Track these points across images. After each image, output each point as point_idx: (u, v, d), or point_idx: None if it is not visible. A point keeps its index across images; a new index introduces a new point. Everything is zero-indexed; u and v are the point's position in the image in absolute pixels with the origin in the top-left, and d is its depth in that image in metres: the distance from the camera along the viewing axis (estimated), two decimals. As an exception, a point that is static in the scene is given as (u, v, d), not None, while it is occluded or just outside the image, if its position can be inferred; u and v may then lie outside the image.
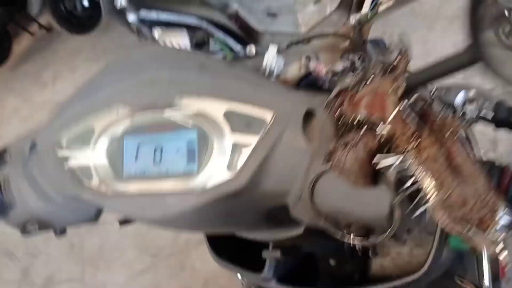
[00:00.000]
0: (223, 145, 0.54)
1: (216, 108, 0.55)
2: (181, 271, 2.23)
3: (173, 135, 0.59)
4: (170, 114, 0.58)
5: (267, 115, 0.51)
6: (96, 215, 0.71)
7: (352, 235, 0.48)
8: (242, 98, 0.53)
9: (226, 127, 0.54)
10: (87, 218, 0.70)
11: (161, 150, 0.59)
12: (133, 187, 0.60)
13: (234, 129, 0.54)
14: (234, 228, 0.62)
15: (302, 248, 0.82)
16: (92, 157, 0.63)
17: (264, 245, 1.08)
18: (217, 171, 0.54)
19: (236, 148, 0.53)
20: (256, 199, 0.54)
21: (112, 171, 0.62)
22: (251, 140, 0.52)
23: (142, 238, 2.43)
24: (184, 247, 2.30)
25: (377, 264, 1.03)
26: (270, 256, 0.82)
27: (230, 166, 0.53)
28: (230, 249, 1.05)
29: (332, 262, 1.06)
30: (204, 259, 2.20)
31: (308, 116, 0.50)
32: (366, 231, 0.47)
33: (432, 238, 0.95)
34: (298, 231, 0.79)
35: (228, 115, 0.54)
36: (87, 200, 0.64)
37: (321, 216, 0.48)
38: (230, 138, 0.54)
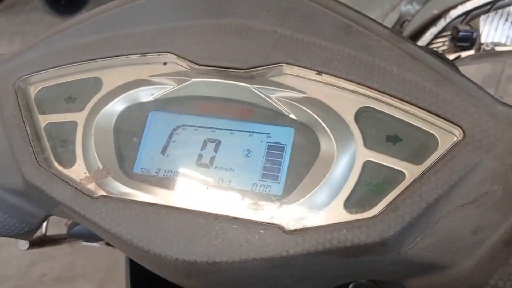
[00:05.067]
0: (343, 164, 0.32)
1: (346, 101, 0.33)
2: (24, 312, 1.78)
3: (247, 126, 0.35)
4: (253, 91, 0.35)
5: (447, 132, 0.31)
6: (33, 229, 0.42)
7: None
8: (404, 93, 0.32)
9: (357, 136, 0.33)
10: (20, 229, 0.40)
11: (217, 147, 0.35)
12: (148, 195, 0.34)
13: (370, 142, 0.32)
14: None
15: None
16: (84, 130, 0.37)
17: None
18: (321, 206, 0.32)
19: (371, 173, 0.32)
20: (373, 266, 0.33)
21: (115, 160, 0.36)
22: (403, 167, 0.31)
23: (-16, 259, 1.94)
24: (37, 281, 1.86)
25: None
26: None
27: (352, 203, 0.31)
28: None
29: None
30: (58, 303, 1.79)
31: None
32: None
33: None
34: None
35: (364, 118, 0.33)
36: (43, 197, 0.36)
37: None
38: (361, 155, 0.32)
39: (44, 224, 0.66)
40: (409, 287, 0.34)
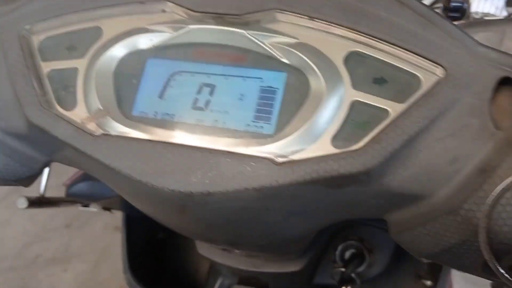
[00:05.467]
0: (332, 104, 0.34)
1: (336, 45, 0.35)
2: (19, 291, 1.80)
3: (241, 71, 0.37)
4: (247, 37, 0.37)
5: (429, 72, 0.33)
6: (34, 174, 0.43)
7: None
8: (391, 36, 0.34)
9: (346, 78, 0.34)
10: (21, 173, 0.42)
11: (212, 91, 0.37)
12: (145, 134, 0.36)
13: (357, 84, 0.34)
14: (274, 230, 0.40)
15: None
16: (85, 75, 0.38)
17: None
18: (310, 142, 0.33)
19: (358, 112, 0.33)
20: (357, 199, 0.34)
21: (114, 103, 0.38)
22: (388, 105, 0.33)
23: (-21, 241, 1.95)
24: (32, 262, 1.88)
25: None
26: None
27: (339, 138, 0.33)
28: (150, 275, 0.81)
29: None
30: (53, 282, 1.81)
31: (497, 88, 0.33)
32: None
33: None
34: (295, 267, 0.60)
35: (352, 61, 0.34)
36: (45, 139, 0.38)
37: (489, 246, 0.30)
38: (348, 95, 0.34)
39: (43, 185, 0.68)
40: (390, 222, 0.36)
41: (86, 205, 0.76)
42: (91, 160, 0.36)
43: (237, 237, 0.43)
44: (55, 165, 0.46)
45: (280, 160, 0.33)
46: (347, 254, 0.68)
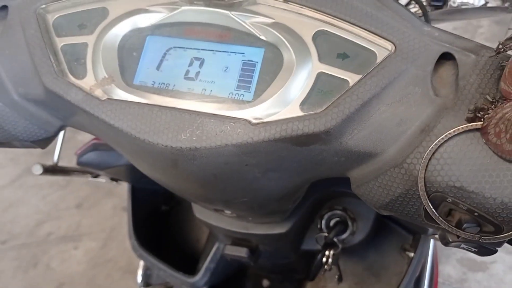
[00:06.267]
0: (301, 75, 0.40)
1: (306, 25, 0.41)
2: (32, 267, 1.88)
3: (226, 47, 0.43)
4: (231, 17, 0.43)
5: (382, 48, 0.39)
6: (50, 136, 0.50)
7: (465, 225, 0.37)
8: (351, 17, 0.40)
9: (313, 53, 0.40)
10: (39, 135, 0.48)
11: (201, 64, 0.43)
12: (144, 99, 0.42)
13: (323, 58, 0.40)
14: (255, 186, 0.46)
15: (252, 253, 0.69)
16: (93, 49, 0.45)
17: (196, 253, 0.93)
18: (282, 107, 0.39)
19: (323, 82, 0.39)
20: (322, 157, 0.40)
21: (118, 74, 0.44)
22: (348, 76, 0.39)
23: (-6, 218, 2.04)
24: (43, 240, 1.96)
25: (309, 297, 0.93)
26: (236, 251, 0.67)
27: (306, 104, 0.39)
28: (153, 244, 0.88)
29: (265, 283, 0.94)
30: (64, 259, 1.90)
31: (438, 61, 0.38)
32: (490, 224, 0.36)
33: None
34: (281, 229, 0.66)
35: (320, 39, 0.40)
36: (60, 104, 0.45)
37: (426, 194, 0.36)
38: (315, 68, 0.40)
39: (56, 154, 0.75)
40: (351, 178, 0.42)
41: (95, 176, 0.82)
42: (98, 121, 0.43)
43: (224, 193, 0.49)
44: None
45: (255, 121, 0.39)
46: (332, 222, 0.74)
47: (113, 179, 0.83)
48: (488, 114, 0.34)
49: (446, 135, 0.35)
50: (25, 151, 2.27)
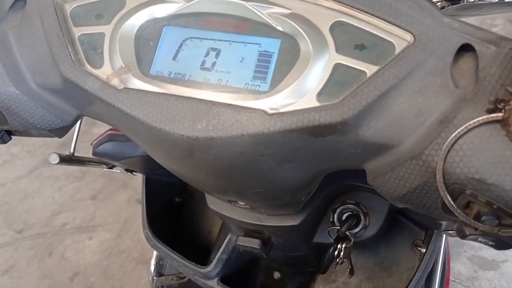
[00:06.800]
0: (318, 66, 0.40)
1: (323, 16, 0.41)
2: (47, 256, 1.91)
3: (242, 38, 0.43)
4: (248, 7, 0.43)
5: (401, 38, 0.38)
6: (66, 125, 0.50)
7: (483, 218, 0.36)
8: (370, 7, 0.39)
9: (331, 44, 0.40)
10: (56, 124, 0.49)
11: (217, 54, 0.43)
12: (161, 89, 0.43)
13: (341, 49, 0.40)
14: (270, 177, 0.47)
15: (265, 245, 0.69)
16: (110, 39, 0.45)
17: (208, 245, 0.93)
18: (298, 98, 0.39)
19: (340, 73, 0.39)
20: (338, 148, 0.40)
21: (135, 63, 0.44)
22: (365, 67, 0.39)
23: (11, 207, 2.07)
24: (59, 230, 1.99)
25: (320, 291, 0.93)
26: (248, 243, 0.68)
27: (323, 95, 0.39)
28: (167, 236, 0.88)
29: (276, 275, 0.94)
30: (78, 249, 1.92)
31: (458, 53, 0.38)
32: (509, 217, 0.36)
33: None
34: (294, 221, 0.66)
35: (337, 29, 0.40)
36: (77, 94, 0.45)
37: (445, 186, 0.36)
38: (332, 59, 0.40)
39: (73, 144, 0.76)
40: (367, 170, 0.42)
41: (110, 167, 0.83)
42: (114, 110, 0.43)
43: (238, 183, 0.50)
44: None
45: (271, 111, 0.39)
46: (344, 216, 0.74)
47: (128, 170, 0.84)
48: (509, 105, 0.34)
49: (466, 126, 0.35)
50: (41, 143, 2.31)
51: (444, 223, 0.71)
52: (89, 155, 0.79)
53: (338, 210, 0.74)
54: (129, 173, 0.84)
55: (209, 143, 0.40)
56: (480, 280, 1.63)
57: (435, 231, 0.77)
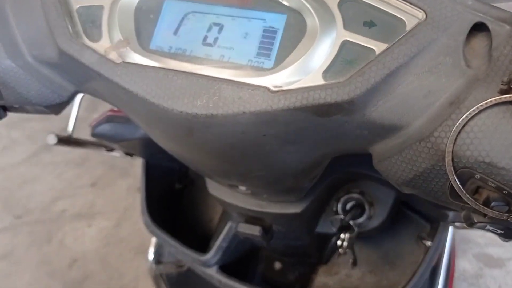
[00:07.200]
0: (324, 43, 0.38)
1: None
2: (46, 243, 1.90)
3: (246, 13, 0.41)
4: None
5: (412, 16, 0.36)
6: (63, 101, 0.49)
7: (493, 203, 0.35)
8: None
9: (338, 20, 0.38)
10: (52, 99, 0.47)
11: (220, 30, 0.41)
12: (160, 64, 0.41)
13: (349, 26, 0.38)
14: (273, 159, 0.45)
15: (265, 232, 0.68)
16: (109, 11, 0.43)
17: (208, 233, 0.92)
18: (303, 75, 0.38)
19: (347, 50, 0.37)
20: (343, 129, 0.39)
21: (134, 37, 0.42)
22: (374, 45, 0.37)
23: (10, 192, 2.06)
24: (58, 216, 1.98)
25: (321, 282, 0.92)
26: (249, 230, 0.66)
27: (329, 72, 0.37)
28: (166, 223, 0.87)
29: (277, 265, 0.93)
30: (78, 236, 1.91)
31: (470, 31, 0.36)
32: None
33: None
34: (296, 209, 0.64)
35: (345, 5, 0.38)
36: (74, 67, 0.43)
37: (453, 169, 0.34)
38: (340, 35, 0.38)
39: (71, 125, 0.74)
40: (373, 153, 0.40)
41: (110, 150, 0.82)
42: (112, 86, 0.41)
43: (240, 165, 0.48)
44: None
45: (275, 89, 0.38)
46: (349, 206, 0.72)
47: (127, 154, 0.83)
48: None
49: (477, 107, 0.33)
50: (41, 129, 2.29)
51: (450, 213, 0.70)
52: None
53: (342, 200, 0.72)
54: (128, 157, 0.82)
55: (209, 121, 0.39)
56: (485, 278, 1.61)
57: (441, 224, 0.75)
